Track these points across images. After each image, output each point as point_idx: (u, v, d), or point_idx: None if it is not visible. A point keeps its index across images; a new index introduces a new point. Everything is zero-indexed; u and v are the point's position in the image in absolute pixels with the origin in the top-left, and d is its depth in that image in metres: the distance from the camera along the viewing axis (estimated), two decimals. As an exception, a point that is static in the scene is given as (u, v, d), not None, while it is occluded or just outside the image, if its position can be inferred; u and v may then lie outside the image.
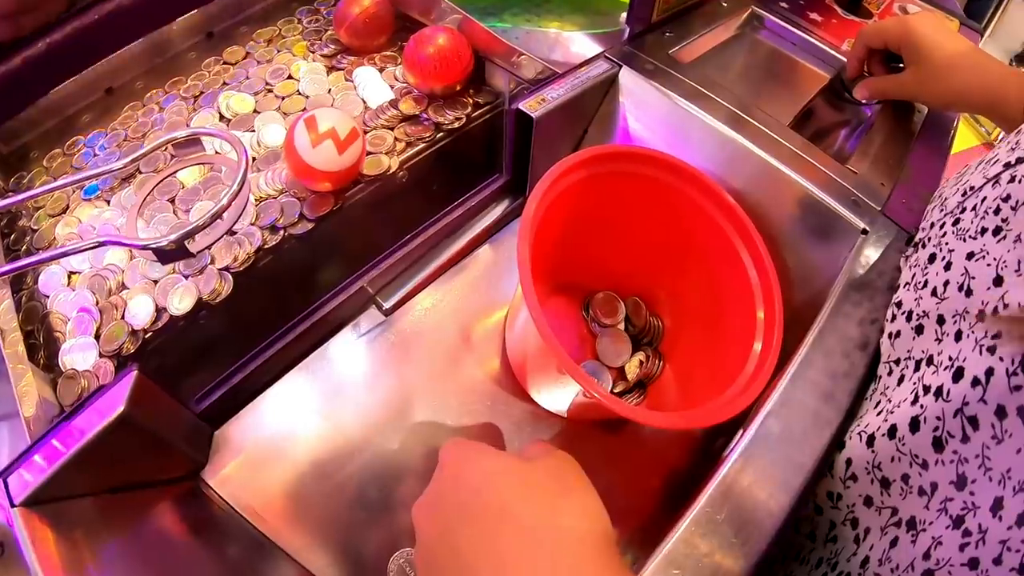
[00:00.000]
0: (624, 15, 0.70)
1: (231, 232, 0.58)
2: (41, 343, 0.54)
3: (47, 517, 0.40)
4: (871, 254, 0.51)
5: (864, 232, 0.51)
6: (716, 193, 0.51)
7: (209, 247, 0.51)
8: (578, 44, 0.67)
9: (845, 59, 0.71)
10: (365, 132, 0.62)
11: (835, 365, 0.45)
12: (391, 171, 0.59)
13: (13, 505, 0.39)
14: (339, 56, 0.72)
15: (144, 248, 0.46)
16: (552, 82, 0.55)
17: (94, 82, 0.70)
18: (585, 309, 0.58)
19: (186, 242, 0.47)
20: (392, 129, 0.63)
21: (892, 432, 0.40)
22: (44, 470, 0.40)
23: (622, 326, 0.57)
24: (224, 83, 0.71)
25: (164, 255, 0.47)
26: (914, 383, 0.41)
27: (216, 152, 0.61)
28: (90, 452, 0.41)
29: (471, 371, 0.55)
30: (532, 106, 0.52)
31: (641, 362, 0.55)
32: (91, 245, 0.48)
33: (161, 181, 0.56)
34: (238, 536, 0.50)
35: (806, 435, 0.42)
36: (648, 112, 0.58)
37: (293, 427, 0.52)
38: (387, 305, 0.53)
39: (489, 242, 0.59)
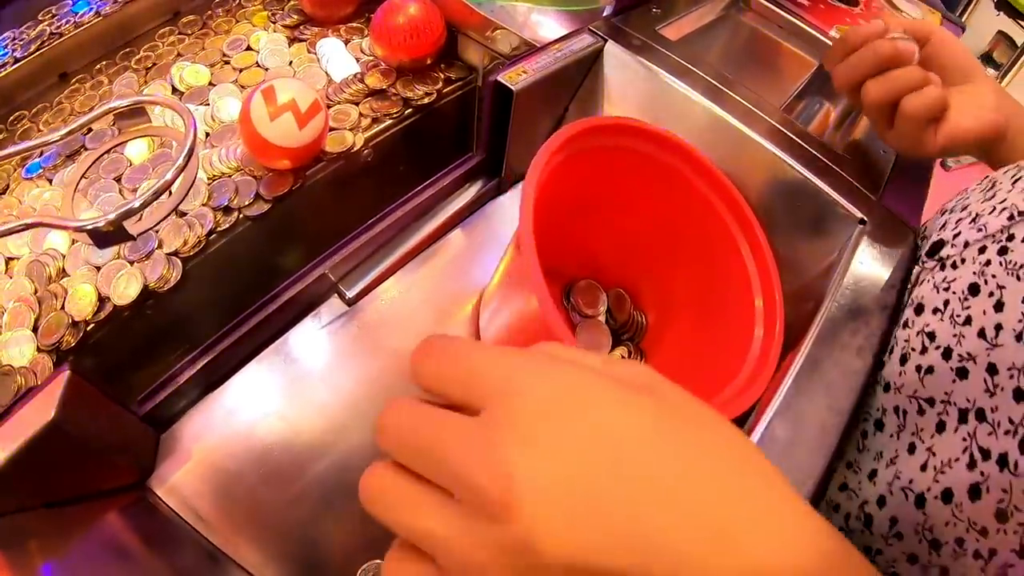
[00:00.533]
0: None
1: (180, 213, 0.53)
2: None
3: None
4: (870, 247, 0.48)
5: (862, 222, 0.49)
6: (712, 173, 0.48)
7: (154, 229, 0.46)
8: (554, 21, 0.63)
9: (830, 43, 0.69)
10: (328, 106, 0.58)
11: (838, 366, 0.42)
12: (355, 148, 0.55)
13: None
14: (302, 27, 0.67)
15: (78, 230, 0.42)
16: (533, 55, 0.51)
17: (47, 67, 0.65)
18: (566, 297, 0.55)
19: (126, 223, 0.42)
20: (357, 104, 0.59)
21: (947, 496, 0.37)
22: None
23: (603, 318, 0.54)
24: (178, 55, 0.66)
25: (101, 237, 0.42)
26: (965, 440, 0.37)
27: (165, 126, 0.56)
28: (18, 465, 0.37)
29: None
30: (511, 78, 0.48)
31: (622, 357, 0.52)
32: (18, 227, 0.43)
33: (101, 156, 0.51)
34: (189, 550, 0.45)
35: (812, 444, 0.39)
36: (634, 89, 0.55)
37: (248, 428, 0.47)
38: (350, 294, 0.48)
39: (460, 226, 0.55)
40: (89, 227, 0.41)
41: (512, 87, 0.48)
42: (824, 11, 0.76)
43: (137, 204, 0.41)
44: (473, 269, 0.54)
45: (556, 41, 0.54)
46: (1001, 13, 2.35)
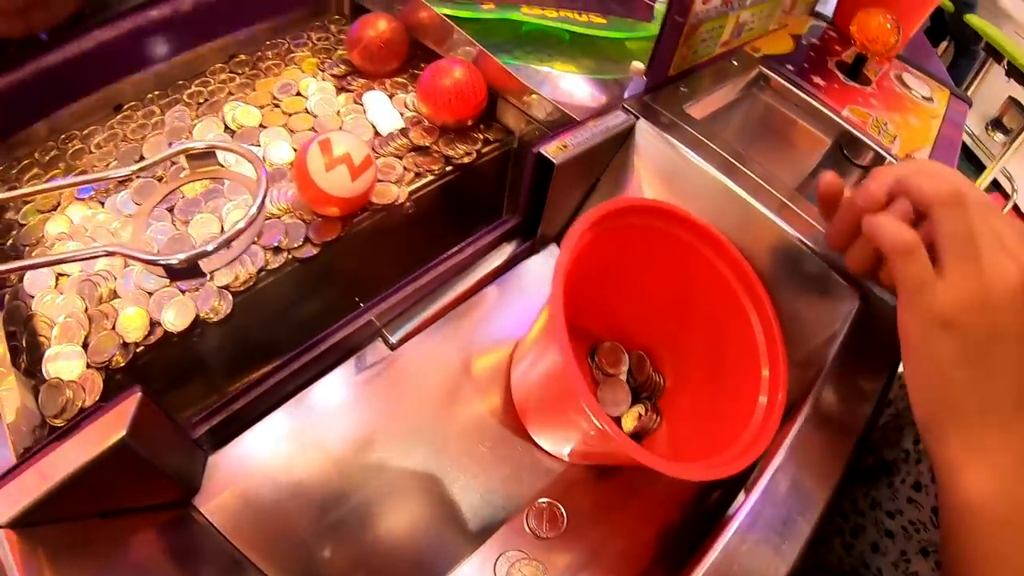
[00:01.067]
0: (634, 63, 0.72)
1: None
2: (24, 347, 0.52)
3: (32, 540, 0.39)
4: (868, 321, 0.52)
5: (863, 299, 0.53)
6: (727, 250, 0.52)
7: (219, 268, 0.50)
8: (587, 88, 0.68)
9: (845, 124, 0.74)
10: (376, 159, 0.62)
11: (835, 425, 0.47)
12: (399, 201, 0.60)
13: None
14: (349, 77, 0.72)
15: (155, 264, 0.45)
16: (573, 128, 0.56)
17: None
18: (591, 356, 0.59)
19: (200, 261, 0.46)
20: (401, 158, 0.63)
21: None
22: (32, 492, 0.39)
23: (624, 377, 0.58)
24: (230, 93, 0.71)
25: (175, 273, 0.46)
26: None
27: (229, 168, 0.60)
28: (84, 477, 0.40)
29: (473, 409, 0.55)
30: (554, 152, 0.53)
31: (640, 415, 0.56)
32: (100, 253, 0.47)
33: (171, 192, 0.55)
34: (230, 567, 0.49)
35: (810, 495, 0.43)
36: (660, 163, 0.59)
37: (289, 458, 0.51)
38: (394, 339, 0.52)
39: (496, 282, 0.59)
40: (163, 262, 0.45)
41: (554, 161, 0.53)
42: (838, 91, 0.81)
43: (211, 248, 0.45)
44: (505, 323, 0.58)
45: (594, 117, 0.58)
46: (1012, 80, 2.46)
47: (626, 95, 0.64)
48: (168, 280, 0.50)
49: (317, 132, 0.65)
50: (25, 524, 0.39)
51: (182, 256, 0.46)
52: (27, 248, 0.58)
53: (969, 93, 2.74)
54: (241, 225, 0.46)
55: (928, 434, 0.41)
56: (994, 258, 0.37)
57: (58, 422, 0.49)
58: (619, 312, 0.57)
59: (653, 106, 0.61)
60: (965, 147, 3.16)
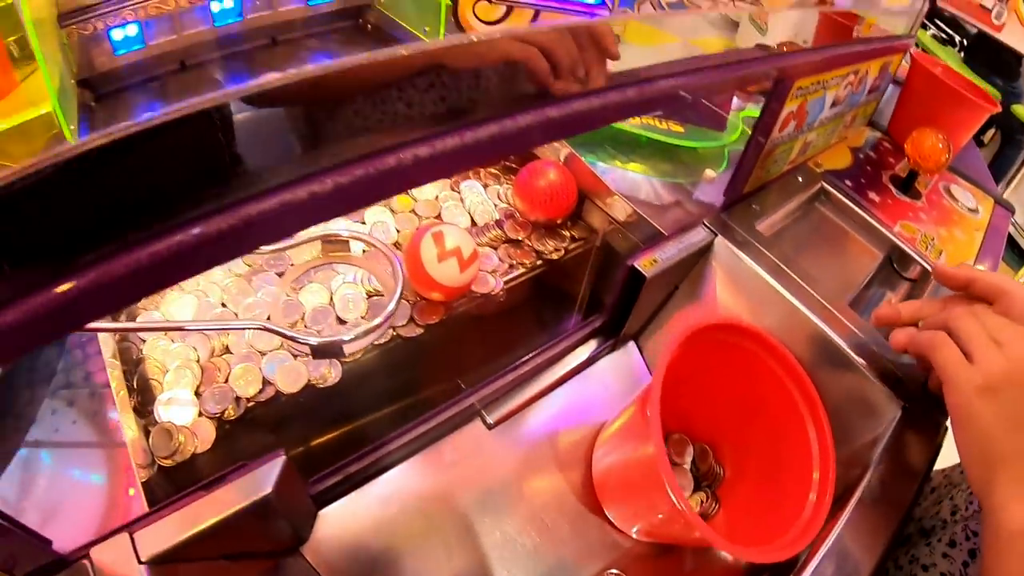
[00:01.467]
0: (707, 171, 0.79)
1: (341, 320, 0.63)
2: (136, 388, 0.57)
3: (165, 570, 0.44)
4: (910, 428, 0.59)
5: (905, 408, 0.59)
6: (789, 363, 0.58)
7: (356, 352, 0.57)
8: (663, 192, 0.75)
9: (897, 240, 0.80)
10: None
11: (876, 517, 0.53)
12: (495, 291, 0.66)
13: (140, 562, 0.43)
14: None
15: (302, 343, 0.52)
16: (661, 243, 0.62)
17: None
18: (661, 444, 0.65)
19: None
20: (495, 248, 0.70)
21: None
22: (177, 535, 0.44)
23: (688, 467, 0.64)
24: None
25: (319, 351, 0.52)
26: None
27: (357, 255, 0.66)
28: (225, 525, 0.45)
29: (556, 485, 0.61)
30: (645, 266, 0.59)
31: (701, 501, 0.62)
32: (254, 327, 0.53)
33: (305, 272, 0.61)
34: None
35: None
36: (734, 277, 0.65)
37: (390, 518, 0.56)
38: (491, 420, 0.58)
39: (583, 373, 0.65)
40: (315, 343, 0.52)
41: (646, 275, 0.59)
42: (891, 205, 0.88)
43: (348, 338, 0.51)
44: (587, 410, 0.64)
45: (679, 233, 0.65)
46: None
47: (696, 195, 0.71)
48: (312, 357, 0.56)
49: (418, 215, 0.72)
50: (161, 562, 0.44)
51: (334, 339, 0.52)
52: (148, 308, 0.64)
53: (1015, 183, 2.80)
54: (379, 321, 0.52)
55: (979, 484, 0.49)
56: (1012, 342, 0.49)
57: (167, 463, 0.54)
58: (689, 408, 0.63)
59: (729, 223, 0.67)
60: (1010, 238, 3.20)
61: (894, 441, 0.58)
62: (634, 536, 0.60)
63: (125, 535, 0.44)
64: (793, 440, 0.58)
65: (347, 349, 0.53)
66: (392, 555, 0.56)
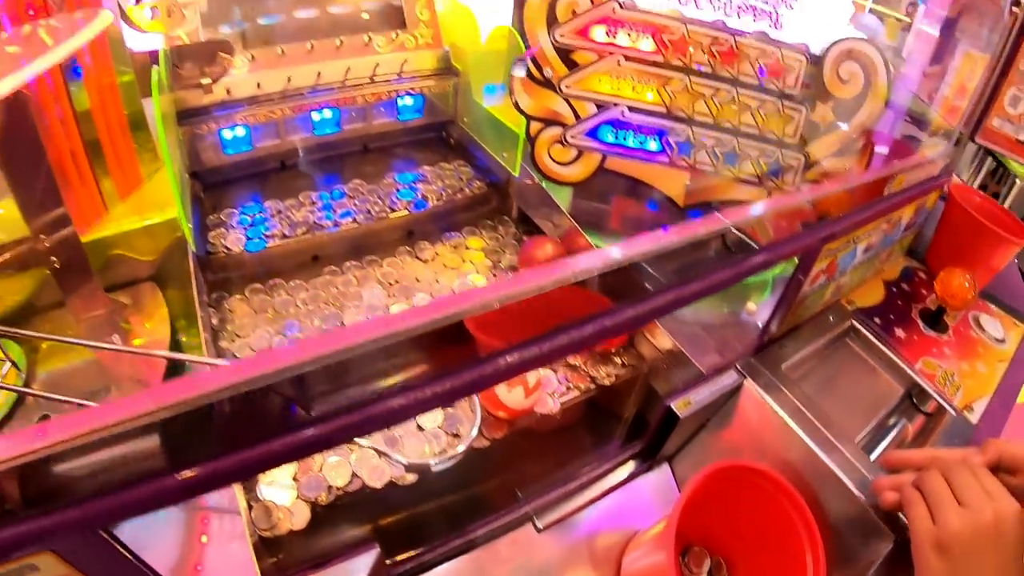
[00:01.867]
0: (749, 304, 0.89)
1: (420, 427, 0.76)
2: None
3: None
4: (898, 559, 0.66)
5: (896, 542, 0.67)
6: (797, 502, 0.68)
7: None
8: (704, 320, 0.86)
9: (917, 377, 0.89)
10: (537, 373, 0.81)
11: None
12: (553, 411, 0.78)
13: None
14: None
15: (398, 462, 0.64)
16: (696, 386, 0.73)
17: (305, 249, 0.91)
18: (682, 555, 0.75)
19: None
20: (555, 372, 0.81)
21: None
22: None
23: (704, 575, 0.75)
24: (416, 279, 0.91)
25: (410, 469, 0.65)
26: None
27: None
28: None
29: None
30: (680, 407, 0.70)
31: (714, 607, 0.73)
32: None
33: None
34: None
35: None
36: (758, 416, 0.76)
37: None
38: (541, 524, 0.70)
39: (620, 489, 0.76)
40: (406, 463, 0.64)
41: (680, 415, 0.70)
42: (917, 342, 0.96)
43: (434, 463, 0.64)
44: (622, 520, 0.75)
45: (714, 375, 0.76)
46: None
47: (737, 322, 0.80)
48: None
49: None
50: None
51: (423, 462, 0.64)
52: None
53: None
54: (462, 449, 0.65)
55: None
56: (972, 503, 0.57)
57: (266, 534, 0.65)
58: (710, 525, 0.73)
59: (758, 367, 0.78)
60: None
61: (885, 567, 0.68)
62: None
63: None
64: (793, 563, 0.68)
65: (433, 469, 0.65)
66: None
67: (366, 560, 0.58)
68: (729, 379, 0.76)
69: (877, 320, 0.95)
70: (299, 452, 0.39)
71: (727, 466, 0.67)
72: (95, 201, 0.83)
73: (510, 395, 0.73)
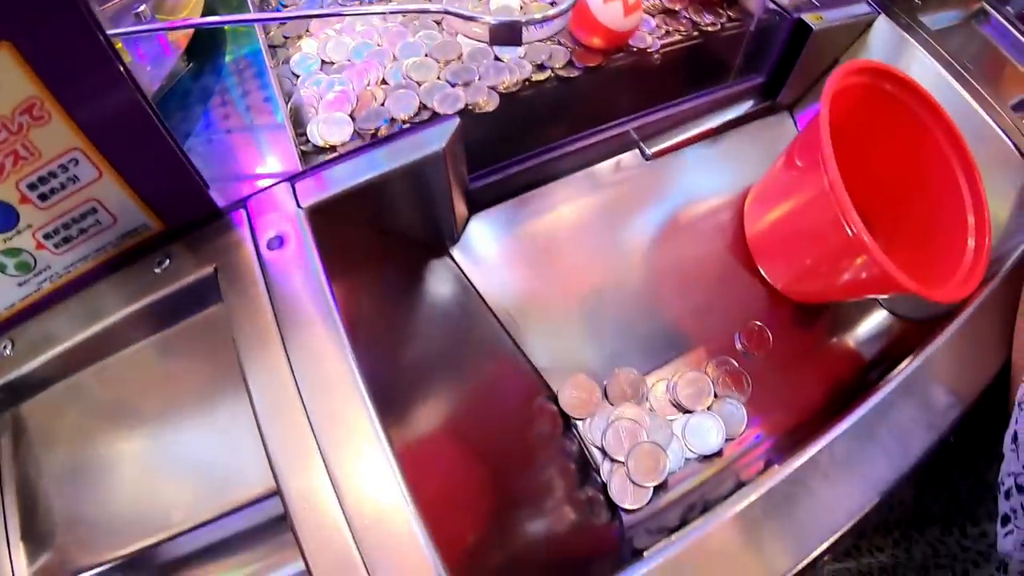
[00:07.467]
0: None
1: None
2: (289, 116, 0.62)
3: (324, 226, 0.48)
4: None
5: None
6: (956, 137, 0.62)
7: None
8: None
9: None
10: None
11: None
12: (652, 48, 0.71)
13: (299, 207, 0.48)
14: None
15: (481, 22, 0.56)
16: (827, 6, 0.67)
17: None
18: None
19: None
20: (653, 16, 0.74)
21: None
22: (339, 186, 0.50)
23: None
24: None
25: (497, 35, 0.57)
26: None
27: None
28: (390, 182, 0.51)
29: (708, 235, 0.67)
30: (814, 19, 0.64)
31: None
32: (434, 8, 0.58)
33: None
34: (470, 310, 0.60)
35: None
36: (891, 60, 0.69)
37: (546, 232, 0.62)
38: (650, 151, 0.63)
39: (737, 130, 0.70)
40: (494, 22, 0.56)
41: (813, 26, 0.64)
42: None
43: (539, 17, 0.56)
44: (740, 168, 0.69)
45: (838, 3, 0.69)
46: None
47: None
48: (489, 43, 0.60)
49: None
50: (320, 211, 0.49)
51: (509, 19, 0.56)
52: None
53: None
54: (564, 7, 0.57)
55: None
56: None
57: None
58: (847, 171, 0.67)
59: (892, 7, 0.71)
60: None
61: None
62: (786, 294, 0.65)
63: (285, 184, 0.49)
64: (946, 196, 0.62)
65: (524, 35, 0.57)
66: (537, 269, 0.62)
67: (445, 129, 0.54)
68: (861, 9, 0.69)
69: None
70: None
71: (885, 69, 0.60)
72: None
73: (606, 11, 0.66)
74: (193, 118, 0.64)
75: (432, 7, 0.58)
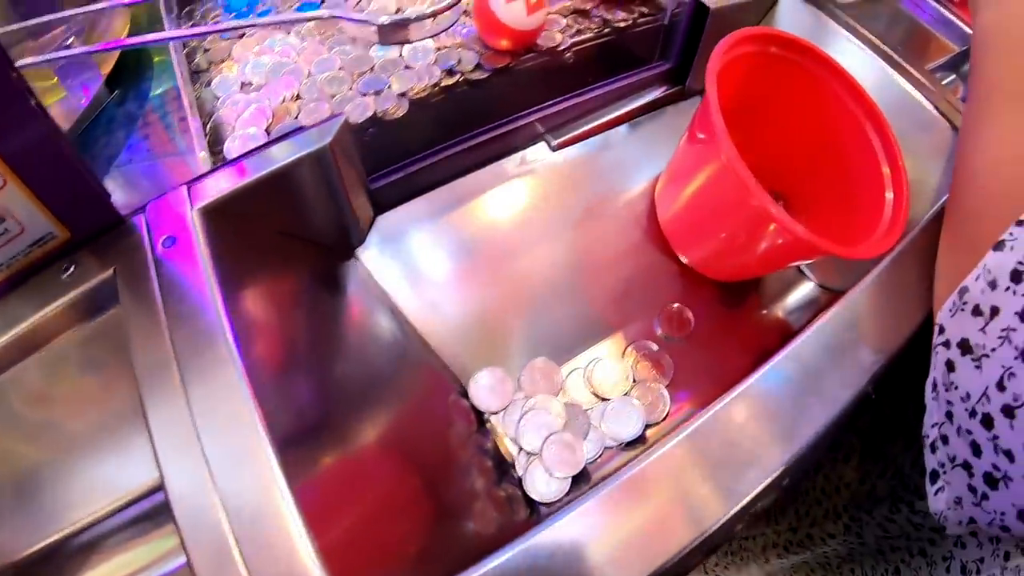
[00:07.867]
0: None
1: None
2: (208, 133, 0.64)
3: (218, 227, 0.49)
4: None
5: None
6: (859, 91, 0.60)
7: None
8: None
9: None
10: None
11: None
12: (562, 47, 0.71)
13: (191, 207, 0.49)
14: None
15: (367, 23, 0.58)
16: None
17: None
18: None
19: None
20: (565, 17, 0.75)
21: None
22: (232, 184, 0.51)
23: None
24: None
25: (385, 34, 0.58)
26: None
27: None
28: (280, 178, 0.52)
29: (619, 219, 0.66)
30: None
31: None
32: (322, 16, 0.59)
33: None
34: (377, 310, 0.59)
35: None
36: (801, 33, 0.69)
37: (452, 228, 0.62)
38: (555, 143, 0.64)
39: (646, 116, 0.70)
40: (378, 22, 0.57)
41: (710, 5, 0.64)
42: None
43: (428, 11, 0.57)
44: (650, 155, 0.69)
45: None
46: None
47: None
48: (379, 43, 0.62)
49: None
50: (215, 210, 0.50)
51: (397, 18, 0.58)
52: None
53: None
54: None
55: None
56: None
57: None
58: (753, 144, 0.66)
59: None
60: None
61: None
62: (702, 272, 0.64)
63: (182, 188, 0.50)
64: (857, 152, 0.60)
65: (413, 32, 0.58)
66: (447, 265, 0.62)
67: (330, 127, 0.54)
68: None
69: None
70: None
71: (774, 34, 0.60)
72: None
73: (509, 10, 0.67)
74: (116, 142, 0.67)
75: (322, 14, 0.60)
